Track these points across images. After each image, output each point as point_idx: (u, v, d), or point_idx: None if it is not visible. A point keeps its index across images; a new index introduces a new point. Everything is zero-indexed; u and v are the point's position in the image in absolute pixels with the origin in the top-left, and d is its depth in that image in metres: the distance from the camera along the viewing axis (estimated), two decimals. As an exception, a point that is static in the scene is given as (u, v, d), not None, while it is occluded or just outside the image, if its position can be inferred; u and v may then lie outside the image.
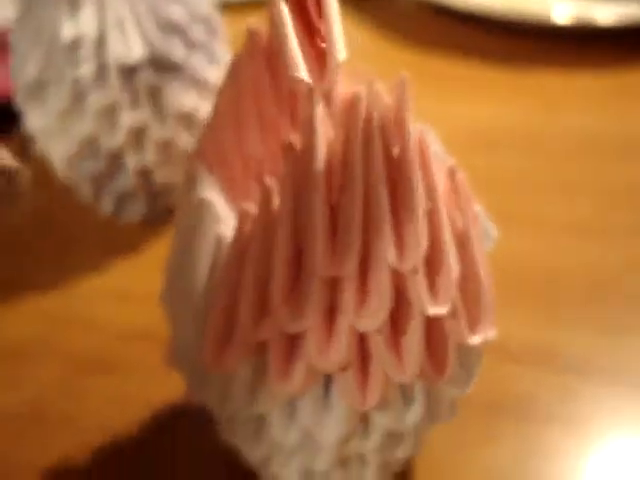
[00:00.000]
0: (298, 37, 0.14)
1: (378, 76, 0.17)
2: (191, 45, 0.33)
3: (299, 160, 0.17)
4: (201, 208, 0.20)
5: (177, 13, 0.33)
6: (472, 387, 0.21)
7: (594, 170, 0.42)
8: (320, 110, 0.17)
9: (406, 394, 0.20)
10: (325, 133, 0.17)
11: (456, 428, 0.27)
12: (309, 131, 0.17)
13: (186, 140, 0.34)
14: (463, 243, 0.18)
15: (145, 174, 0.36)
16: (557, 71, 0.51)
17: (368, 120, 0.16)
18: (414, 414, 0.20)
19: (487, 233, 0.22)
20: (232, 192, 0.22)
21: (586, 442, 0.27)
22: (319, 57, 0.14)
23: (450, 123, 0.46)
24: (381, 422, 0.20)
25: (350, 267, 0.17)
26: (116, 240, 0.38)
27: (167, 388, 0.29)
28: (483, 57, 0.53)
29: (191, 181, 0.22)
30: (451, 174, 0.18)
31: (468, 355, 0.20)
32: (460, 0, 0.56)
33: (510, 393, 0.29)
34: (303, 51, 0.14)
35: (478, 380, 0.23)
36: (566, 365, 0.30)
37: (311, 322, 0.17)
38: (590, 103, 0.48)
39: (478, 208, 0.21)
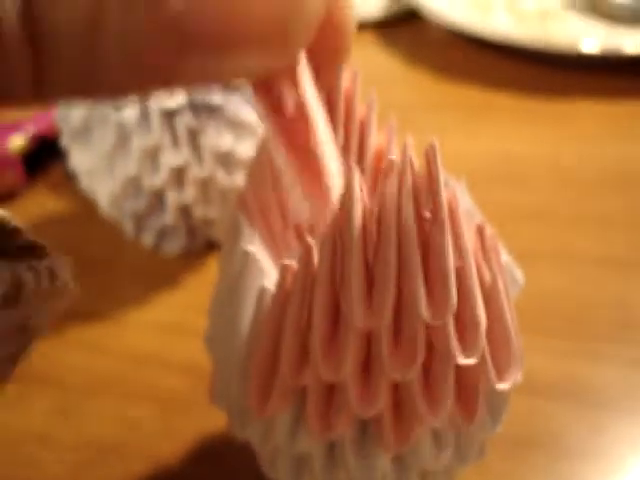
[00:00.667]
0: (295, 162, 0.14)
1: (408, 105, 0.17)
2: (228, 88, 0.35)
3: (338, 221, 0.18)
4: (245, 260, 0.21)
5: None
6: (500, 428, 0.22)
7: (627, 203, 0.42)
8: (358, 176, 0.18)
9: (438, 438, 0.21)
10: (362, 197, 0.18)
11: (485, 464, 0.28)
12: (347, 195, 0.18)
13: (223, 178, 0.36)
14: (491, 296, 0.19)
15: (185, 210, 0.37)
16: (587, 100, 0.52)
17: (401, 186, 0.17)
18: (445, 456, 0.21)
19: (514, 279, 0.23)
20: (272, 243, 0.23)
21: (618, 478, 0.28)
22: (310, 172, 0.14)
23: (480, 153, 0.47)
24: (414, 464, 0.21)
25: (385, 320, 0.18)
26: (157, 274, 0.39)
27: (210, 420, 0.30)
28: (513, 86, 0.54)
29: (235, 231, 0.23)
30: (480, 231, 0.19)
31: (496, 399, 0.21)
32: (490, 30, 0.57)
33: (539, 429, 0.30)
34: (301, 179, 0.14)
35: (507, 416, 0.24)
36: (596, 400, 0.31)
37: (349, 372, 0.19)
38: (622, 133, 0.49)
39: (505, 258, 0.22)
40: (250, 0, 0.12)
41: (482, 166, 0.46)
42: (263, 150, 0.23)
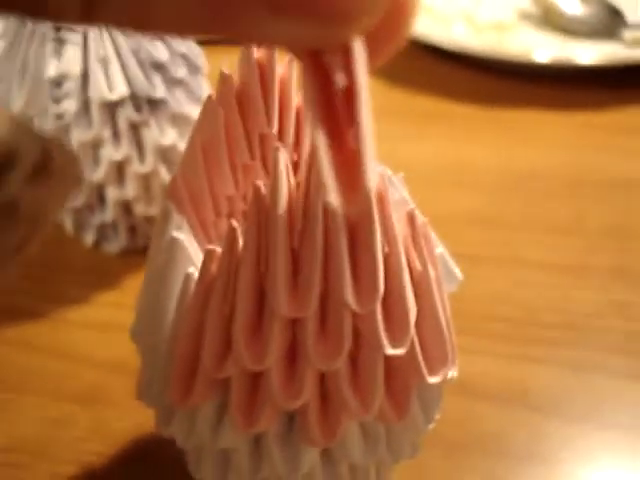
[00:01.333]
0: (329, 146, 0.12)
1: None
2: (172, 82, 0.34)
3: (263, 204, 0.18)
4: (172, 247, 0.21)
5: (159, 51, 0.33)
6: (433, 426, 0.22)
7: (574, 210, 0.42)
8: (285, 159, 0.17)
9: (367, 432, 0.20)
10: (289, 181, 0.18)
11: (422, 466, 0.28)
12: (273, 177, 0.17)
13: (165, 175, 0.35)
14: (421, 285, 0.19)
15: (125, 207, 0.36)
16: (537, 110, 0.52)
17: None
18: (375, 451, 0.20)
19: (452, 275, 0.23)
20: (203, 232, 0.23)
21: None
22: (348, 168, 0.13)
23: (432, 159, 0.47)
24: (342, 458, 0.20)
25: (310, 309, 0.17)
26: (97, 272, 0.38)
27: (142, 420, 0.29)
28: (468, 95, 0.54)
29: (163, 220, 0.22)
30: (410, 219, 0.19)
31: (428, 394, 0.21)
32: (446, 39, 0.57)
33: (478, 431, 0.29)
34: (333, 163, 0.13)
35: (446, 417, 0.24)
36: (536, 404, 0.30)
37: (272, 361, 0.18)
38: (570, 142, 0.49)
39: (441, 251, 0.22)
40: None
41: (434, 172, 0.46)
42: (196, 139, 0.23)
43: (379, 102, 0.54)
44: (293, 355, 0.18)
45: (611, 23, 0.58)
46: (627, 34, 0.57)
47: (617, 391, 0.31)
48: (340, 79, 0.13)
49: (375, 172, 0.12)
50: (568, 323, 0.34)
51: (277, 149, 0.17)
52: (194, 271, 0.19)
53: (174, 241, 0.20)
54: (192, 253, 0.21)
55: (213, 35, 0.12)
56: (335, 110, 0.13)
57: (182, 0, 0.11)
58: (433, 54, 0.59)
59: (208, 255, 0.19)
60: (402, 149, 0.48)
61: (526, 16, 0.62)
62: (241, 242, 0.18)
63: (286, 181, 0.17)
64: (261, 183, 0.18)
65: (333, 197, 0.12)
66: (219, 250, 0.18)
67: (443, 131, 0.51)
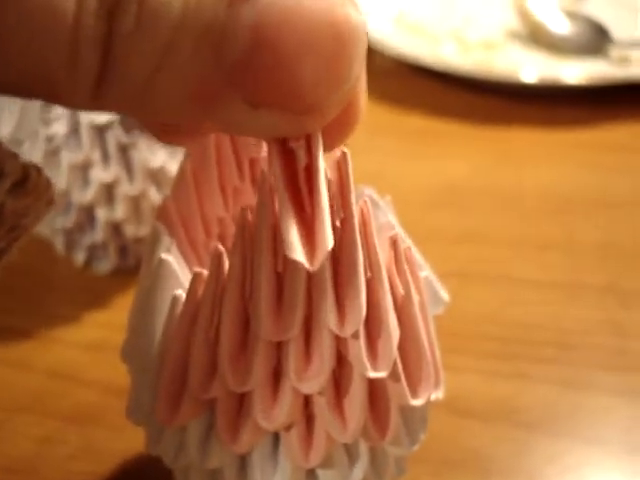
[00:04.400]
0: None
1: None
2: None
3: (248, 228, 0.18)
4: (159, 268, 0.21)
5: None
6: (418, 446, 0.22)
7: (564, 228, 0.42)
8: (270, 185, 0.17)
9: (350, 453, 0.21)
10: (274, 205, 0.18)
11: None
12: (258, 202, 0.17)
13: (155, 196, 0.35)
14: (404, 309, 0.19)
15: (115, 228, 0.37)
16: (525, 128, 0.53)
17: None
18: (359, 472, 0.21)
19: (437, 298, 0.23)
20: (194, 253, 0.23)
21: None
22: (307, 229, 0.15)
23: (420, 177, 0.47)
24: (327, 478, 0.20)
25: (293, 332, 0.18)
26: (87, 291, 0.38)
27: (132, 440, 0.29)
28: (455, 114, 0.55)
29: (153, 242, 0.22)
30: (393, 244, 0.19)
31: (412, 416, 0.21)
32: (432, 59, 0.57)
33: (466, 448, 0.30)
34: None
35: (434, 435, 0.24)
36: (523, 421, 0.31)
37: (256, 383, 0.18)
38: (558, 159, 0.50)
39: (426, 274, 0.22)
40: (304, 71, 0.13)
41: (422, 190, 0.46)
42: (187, 162, 0.23)
43: (368, 121, 0.55)
44: (277, 377, 0.19)
45: (598, 41, 0.59)
46: (614, 52, 0.58)
47: (606, 408, 0.31)
48: (302, 160, 0.15)
49: (330, 232, 0.15)
50: (558, 341, 0.34)
51: (263, 173, 0.17)
52: (182, 293, 0.20)
53: (162, 262, 0.21)
54: (180, 275, 0.21)
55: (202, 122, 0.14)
56: (297, 184, 0.15)
57: (176, 95, 0.13)
58: (422, 73, 0.59)
59: (195, 278, 0.19)
60: (391, 167, 0.48)
61: (514, 35, 0.63)
62: (227, 265, 0.18)
63: (271, 205, 0.18)
64: (247, 208, 0.18)
65: (296, 253, 0.14)
66: (205, 273, 0.19)
67: (432, 150, 0.52)
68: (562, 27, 0.61)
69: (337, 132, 0.16)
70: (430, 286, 0.22)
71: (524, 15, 0.62)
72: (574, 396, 0.32)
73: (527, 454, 0.29)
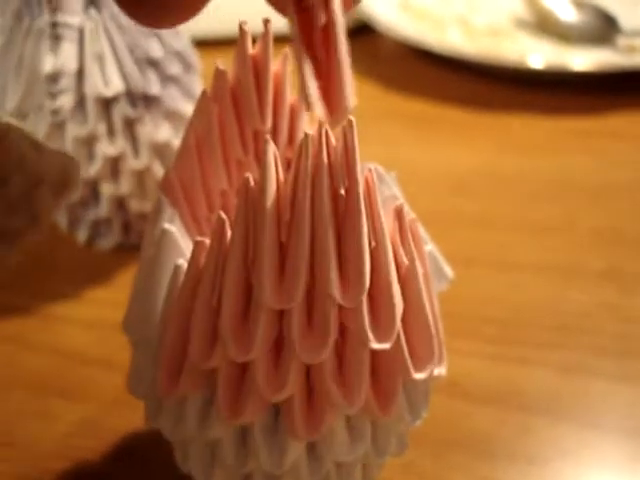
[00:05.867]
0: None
1: (356, 115, 0.17)
2: (166, 79, 0.34)
3: (251, 196, 0.18)
4: (162, 238, 0.21)
5: (154, 48, 0.34)
6: (420, 423, 0.22)
7: (566, 213, 0.42)
8: (273, 150, 0.17)
9: (352, 427, 0.20)
10: (278, 173, 0.18)
11: (410, 465, 0.28)
12: (262, 169, 0.17)
13: (160, 171, 0.35)
14: (408, 280, 0.19)
15: (120, 203, 0.36)
16: (531, 115, 0.52)
17: (316, 160, 0.17)
18: (361, 446, 0.20)
19: (442, 273, 0.23)
20: (196, 226, 0.23)
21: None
22: (329, 90, 0.15)
23: (424, 163, 0.47)
24: (328, 453, 0.20)
25: (296, 301, 0.18)
26: (89, 269, 0.38)
27: (131, 417, 0.29)
28: (460, 100, 0.55)
29: (156, 212, 0.22)
30: (398, 214, 0.19)
31: (414, 391, 0.21)
32: (439, 44, 0.57)
33: (465, 430, 0.29)
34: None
35: (434, 417, 0.24)
36: (524, 404, 0.31)
37: (258, 353, 0.18)
38: (559, 146, 0.49)
39: (430, 248, 0.22)
40: None
41: (426, 175, 0.46)
42: (191, 134, 0.23)
43: (373, 105, 0.55)
44: (279, 348, 0.19)
45: (605, 30, 0.59)
46: (621, 41, 0.58)
47: (606, 392, 0.31)
48: (321, 18, 0.15)
49: (351, 91, 0.15)
50: (558, 324, 0.34)
51: (267, 141, 0.17)
52: (184, 262, 0.19)
53: (165, 233, 0.21)
54: (183, 245, 0.21)
55: None
56: (316, 44, 0.15)
57: None
58: (428, 59, 0.59)
59: (197, 247, 0.19)
60: (395, 152, 0.48)
61: (520, 22, 0.63)
62: (229, 234, 0.18)
63: (274, 173, 0.17)
64: (250, 175, 0.18)
65: (318, 110, 0.14)
66: (207, 242, 0.19)
67: (437, 135, 0.51)
68: (570, 15, 0.60)
69: None
70: (434, 261, 0.22)
71: (532, 2, 0.62)
72: (574, 380, 0.32)
73: (528, 437, 0.29)
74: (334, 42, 0.15)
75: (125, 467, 0.28)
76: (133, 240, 0.39)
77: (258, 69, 0.22)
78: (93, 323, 0.35)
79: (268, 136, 0.17)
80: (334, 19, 0.15)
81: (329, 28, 0.15)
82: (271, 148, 0.17)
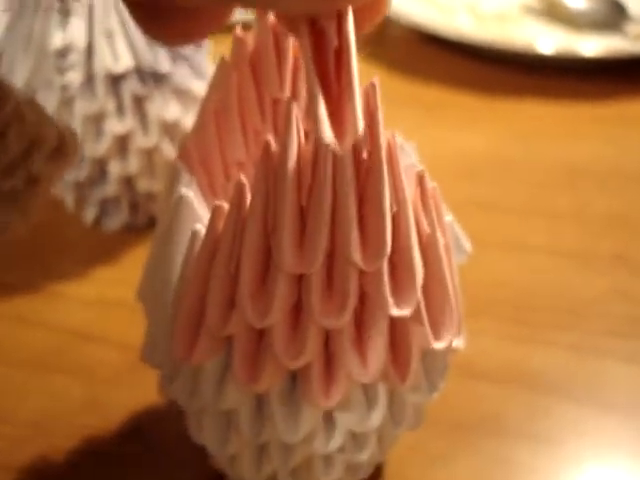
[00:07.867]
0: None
1: None
2: (176, 57, 0.34)
3: (272, 160, 0.17)
4: (179, 204, 0.21)
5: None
6: (436, 396, 0.22)
7: (576, 198, 0.42)
8: (297, 114, 0.17)
9: (369, 396, 0.20)
10: (299, 137, 0.17)
11: (423, 444, 0.28)
12: (284, 131, 0.17)
13: (169, 149, 0.35)
14: (429, 247, 0.19)
15: (128, 182, 0.36)
16: (540, 101, 0.52)
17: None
18: (377, 416, 0.20)
19: (460, 245, 0.23)
20: (212, 195, 0.22)
21: (554, 462, 0.28)
22: (338, 112, 0.15)
23: (434, 147, 0.47)
24: (344, 422, 0.20)
25: (316, 265, 0.17)
26: (96, 248, 0.38)
27: (140, 396, 0.29)
28: (469, 85, 0.54)
29: (172, 179, 0.22)
30: (420, 180, 0.19)
31: (433, 362, 0.21)
32: (447, 29, 0.57)
33: (479, 411, 0.29)
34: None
35: (447, 397, 0.24)
36: (536, 384, 0.30)
37: (277, 318, 0.18)
38: (569, 132, 0.49)
39: (450, 219, 0.22)
40: None
41: (436, 160, 0.45)
42: (208, 101, 0.23)
43: (381, 91, 0.54)
44: (297, 313, 0.18)
45: (614, 17, 0.58)
46: (630, 28, 0.57)
47: (617, 374, 0.31)
48: (333, 41, 0.15)
49: (360, 115, 0.15)
50: (570, 307, 0.34)
51: (289, 103, 0.17)
52: (201, 228, 0.19)
53: (182, 198, 0.20)
54: (200, 211, 0.21)
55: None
56: (327, 69, 0.15)
57: None
58: (436, 44, 0.59)
59: (215, 211, 0.18)
60: (402, 137, 0.48)
61: (529, 9, 0.62)
62: (249, 198, 0.18)
63: (296, 136, 0.17)
64: (271, 138, 0.18)
65: (326, 133, 0.15)
66: (226, 206, 0.18)
67: (446, 120, 0.51)
68: (578, 2, 0.60)
69: (367, 15, 0.16)
70: (453, 232, 0.22)
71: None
72: (586, 361, 0.32)
73: (540, 417, 0.29)
74: (346, 66, 0.15)
75: (133, 445, 0.28)
76: (140, 220, 0.38)
77: (278, 37, 0.22)
78: (97, 301, 0.35)
79: (291, 99, 0.17)
80: (347, 43, 0.15)
81: (342, 52, 0.15)
82: (294, 110, 0.17)
